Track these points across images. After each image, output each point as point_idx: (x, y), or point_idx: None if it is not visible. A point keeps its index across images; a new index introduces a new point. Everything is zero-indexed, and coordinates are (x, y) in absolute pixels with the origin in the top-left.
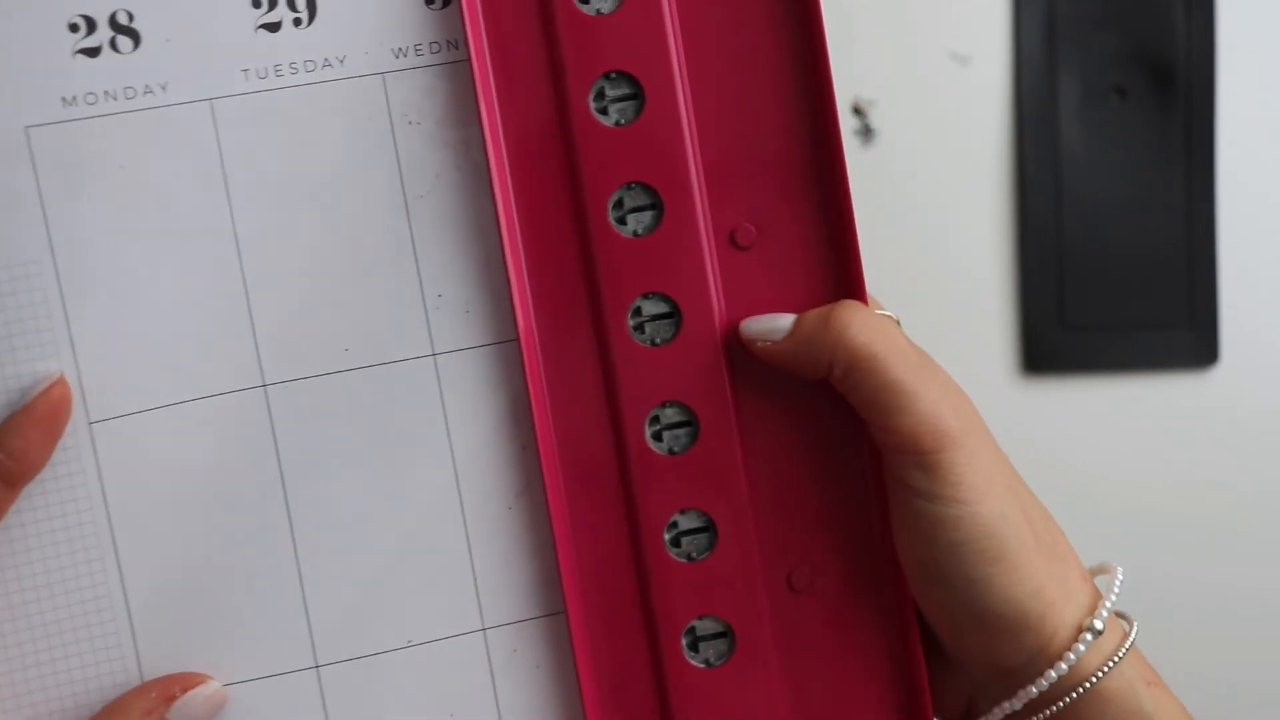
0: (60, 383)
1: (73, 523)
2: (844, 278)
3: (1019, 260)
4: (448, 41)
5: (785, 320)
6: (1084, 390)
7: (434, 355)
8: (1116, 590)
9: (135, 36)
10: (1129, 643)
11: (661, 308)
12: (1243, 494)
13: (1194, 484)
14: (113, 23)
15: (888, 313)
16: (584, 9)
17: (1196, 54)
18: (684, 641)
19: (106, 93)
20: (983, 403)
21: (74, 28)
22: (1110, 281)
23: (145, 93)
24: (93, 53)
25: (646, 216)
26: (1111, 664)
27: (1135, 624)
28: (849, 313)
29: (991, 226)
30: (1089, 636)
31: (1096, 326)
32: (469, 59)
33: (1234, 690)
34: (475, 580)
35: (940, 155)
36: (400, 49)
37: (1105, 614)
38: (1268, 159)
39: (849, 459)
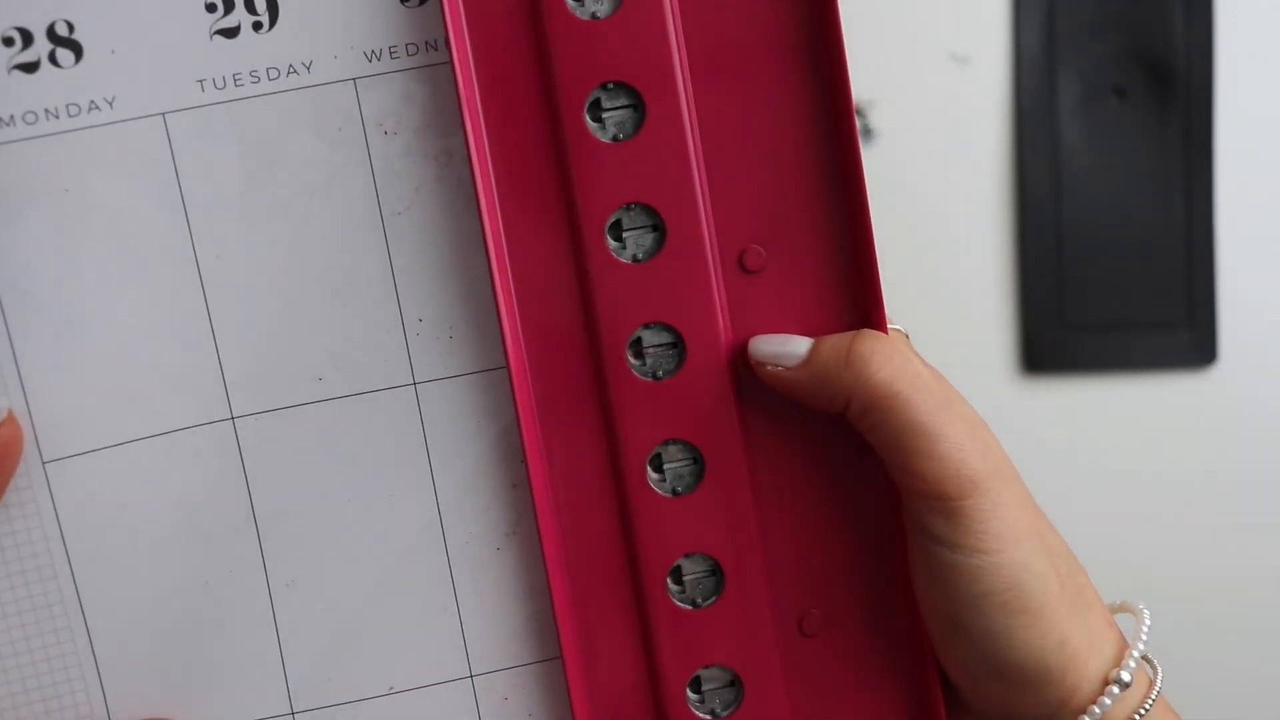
0: (9, 421)
1: (30, 566)
2: (862, 303)
3: (1019, 260)
4: (426, 43)
5: (800, 345)
6: (1084, 390)
7: (414, 384)
8: (1144, 637)
9: (76, 49)
10: (1155, 692)
11: (664, 338)
12: (1242, 493)
13: (1193, 483)
14: (51, 35)
15: (897, 326)
16: (578, 11)
17: (1196, 54)
18: (689, 691)
19: (48, 111)
20: (983, 403)
21: (8, 41)
22: (1109, 281)
23: (91, 109)
24: (30, 68)
25: (647, 239)
26: (1138, 717)
27: (1160, 670)
28: (869, 345)
29: (991, 226)
30: (1115, 689)
31: (1096, 326)
32: (451, 62)
33: (1232, 689)
34: (461, 624)
35: (940, 155)
36: (374, 52)
37: (1133, 665)
38: (1267, 159)
39: (865, 499)
